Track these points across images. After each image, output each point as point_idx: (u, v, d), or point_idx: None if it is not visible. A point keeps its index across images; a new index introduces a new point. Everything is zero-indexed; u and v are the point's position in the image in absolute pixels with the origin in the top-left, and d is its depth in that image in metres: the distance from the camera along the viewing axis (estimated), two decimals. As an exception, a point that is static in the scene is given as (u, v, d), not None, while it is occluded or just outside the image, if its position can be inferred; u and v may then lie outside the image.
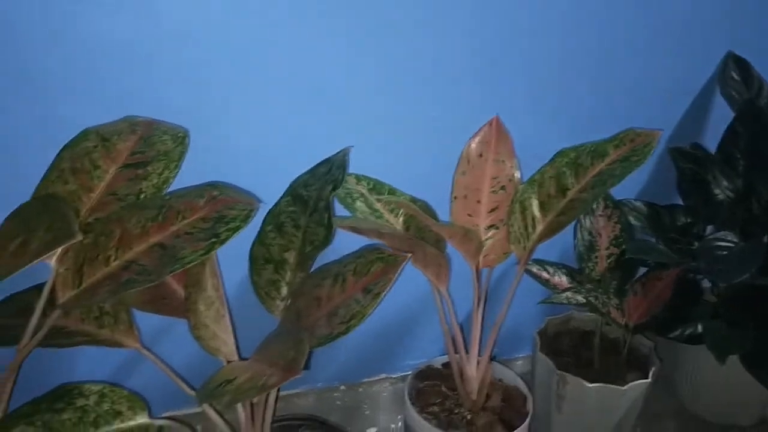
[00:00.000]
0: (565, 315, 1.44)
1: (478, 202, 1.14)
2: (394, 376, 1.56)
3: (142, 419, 0.93)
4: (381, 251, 0.86)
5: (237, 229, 0.81)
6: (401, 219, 1.18)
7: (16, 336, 0.97)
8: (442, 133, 1.24)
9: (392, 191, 1.19)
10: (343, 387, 1.53)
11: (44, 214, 0.69)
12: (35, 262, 0.64)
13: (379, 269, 0.83)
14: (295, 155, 1.12)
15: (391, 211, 1.18)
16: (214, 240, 0.80)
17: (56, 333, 0.98)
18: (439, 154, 1.24)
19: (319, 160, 1.12)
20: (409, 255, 0.81)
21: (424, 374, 1.25)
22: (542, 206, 1.11)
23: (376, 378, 1.55)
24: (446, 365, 1.27)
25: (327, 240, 0.94)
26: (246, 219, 0.83)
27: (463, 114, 1.22)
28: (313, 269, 0.99)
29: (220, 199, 0.86)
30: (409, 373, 1.55)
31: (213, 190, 0.87)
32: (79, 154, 0.97)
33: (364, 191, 1.18)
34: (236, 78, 1.07)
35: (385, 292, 0.79)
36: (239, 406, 1.03)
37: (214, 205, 0.85)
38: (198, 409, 1.14)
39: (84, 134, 1.00)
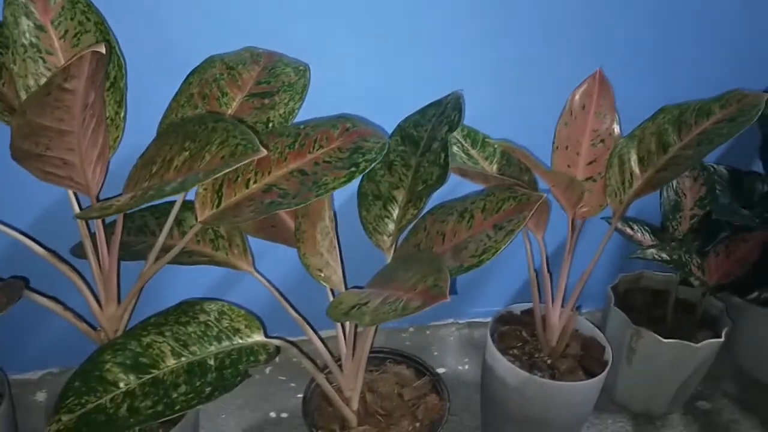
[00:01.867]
0: (636, 273, 1.47)
1: (578, 153, 1.16)
2: (460, 321, 1.61)
3: (258, 337, 0.98)
4: (513, 190, 0.89)
5: (374, 160, 0.84)
6: (495, 167, 1.20)
7: (137, 252, 1.02)
8: (540, 84, 1.26)
9: (486, 140, 1.22)
10: (411, 329, 1.58)
11: (215, 131, 0.72)
12: (213, 176, 0.67)
13: (511, 207, 0.86)
14: (397, 97, 1.15)
15: (486, 158, 1.21)
16: (353, 169, 0.83)
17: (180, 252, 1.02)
18: (534, 105, 1.27)
19: (417, 102, 1.14)
20: (544, 195, 0.83)
21: (505, 319, 1.29)
22: (641, 161, 1.13)
23: (444, 322, 1.60)
24: (526, 312, 1.31)
25: (441, 179, 0.97)
26: (381, 151, 0.85)
27: (563, 66, 1.24)
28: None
29: (354, 131, 0.88)
30: (475, 320, 1.60)
31: (346, 122, 0.90)
32: (207, 80, 1.00)
33: (460, 138, 1.20)
34: (349, 18, 1.09)
35: (519, 230, 0.82)
36: (341, 335, 1.08)
37: (349, 136, 0.88)
38: (294, 338, 1.18)
39: (210, 61, 1.02)
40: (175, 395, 0.85)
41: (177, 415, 0.84)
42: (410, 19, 1.14)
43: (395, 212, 1.05)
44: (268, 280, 1.06)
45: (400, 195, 1.06)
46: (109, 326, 0.96)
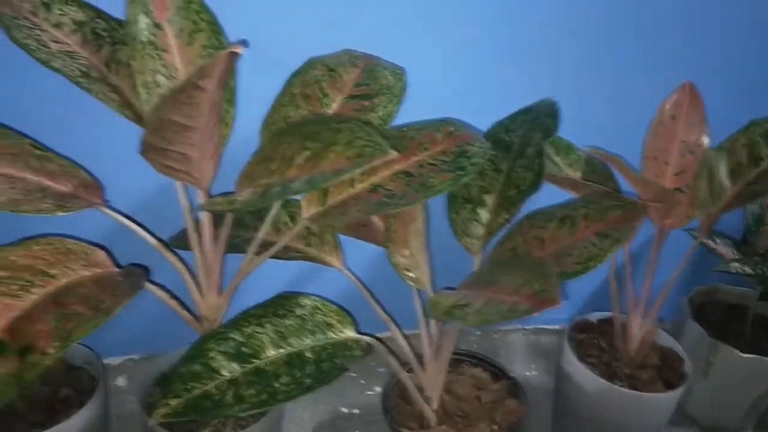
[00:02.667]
0: (712, 286, 1.46)
1: (666, 163, 1.16)
2: (527, 327, 1.61)
3: (350, 333, 1.00)
4: (619, 198, 0.89)
5: (479, 164, 0.85)
6: (579, 174, 1.21)
7: (233, 245, 1.05)
8: (628, 92, 1.26)
9: (570, 146, 1.22)
10: (478, 332, 1.58)
11: (340, 132, 0.74)
12: (342, 176, 0.69)
13: (617, 216, 0.87)
14: (480, 104, 1.16)
15: (570, 165, 1.21)
16: (460, 172, 0.84)
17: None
18: (620, 115, 1.27)
19: (501, 109, 1.15)
20: (652, 204, 0.84)
21: (582, 327, 1.29)
22: (732, 174, 1.12)
23: (511, 328, 1.60)
24: (603, 321, 1.31)
25: (536, 185, 0.98)
26: (485, 155, 0.87)
27: (651, 77, 1.23)
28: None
29: (458, 135, 0.90)
30: (542, 326, 1.60)
31: (448, 126, 0.91)
32: (308, 81, 1.03)
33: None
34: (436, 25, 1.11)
35: (628, 240, 0.82)
36: (424, 335, 1.10)
37: (453, 140, 0.89)
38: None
39: (311, 63, 1.05)
40: (277, 385, 0.88)
41: (279, 404, 0.86)
42: (497, 28, 1.16)
43: (485, 216, 1.07)
44: (357, 277, 1.08)
45: (490, 199, 1.07)
46: (209, 316, 0.99)
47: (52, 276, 0.77)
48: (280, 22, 1.07)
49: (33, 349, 0.67)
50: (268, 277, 1.30)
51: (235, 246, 1.06)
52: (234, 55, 0.70)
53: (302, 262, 1.08)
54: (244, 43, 1.04)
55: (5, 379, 0.65)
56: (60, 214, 0.79)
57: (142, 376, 1.08)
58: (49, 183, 0.83)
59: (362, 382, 1.43)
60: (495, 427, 1.12)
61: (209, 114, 0.79)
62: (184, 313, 0.98)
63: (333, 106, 1.02)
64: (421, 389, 1.11)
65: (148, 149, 0.80)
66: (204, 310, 1.01)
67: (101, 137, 1.08)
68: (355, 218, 0.84)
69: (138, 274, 0.84)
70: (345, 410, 1.37)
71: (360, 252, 1.24)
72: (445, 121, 0.93)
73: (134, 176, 1.10)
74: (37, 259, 0.78)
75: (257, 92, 1.05)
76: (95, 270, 0.82)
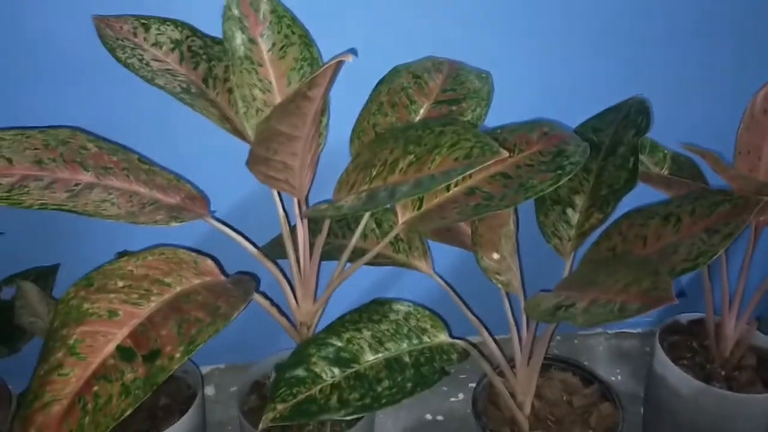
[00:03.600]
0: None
1: (759, 158, 1.13)
2: (609, 331, 1.58)
3: (444, 337, 1.00)
4: (727, 193, 0.87)
5: (578, 163, 0.85)
6: (666, 172, 1.18)
7: (326, 252, 1.07)
8: (713, 88, 1.24)
9: (655, 145, 1.20)
10: (559, 337, 1.56)
11: (444, 135, 0.75)
12: (453, 179, 0.69)
13: (725, 211, 0.85)
14: (563, 102, 1.16)
15: (656, 164, 1.19)
16: (560, 172, 0.84)
17: (361, 253, 1.07)
18: (708, 111, 1.24)
19: (588, 107, 1.14)
20: (765, 199, 0.81)
21: (672, 329, 1.26)
22: (830, 167, 1.08)
23: (592, 332, 1.58)
24: (694, 322, 1.27)
25: (630, 184, 0.97)
26: (584, 154, 0.86)
27: (740, 71, 1.21)
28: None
29: (553, 135, 0.90)
30: (623, 330, 1.57)
31: (542, 126, 0.91)
32: (395, 89, 1.04)
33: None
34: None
35: (738, 233, 0.80)
36: (515, 339, 1.09)
37: (549, 140, 0.89)
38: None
39: (396, 71, 1.06)
40: (379, 389, 0.89)
41: (383, 408, 0.87)
42: (586, 21, 1.15)
43: (575, 217, 1.06)
44: (447, 282, 1.09)
45: (579, 200, 1.06)
46: (305, 322, 1.01)
47: (168, 284, 0.80)
48: (357, 32, 1.09)
49: (160, 354, 0.70)
50: (347, 283, 1.32)
51: (325, 253, 1.07)
52: (340, 65, 0.72)
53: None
54: (352, 51, 1.06)
55: (137, 383, 0.67)
56: (174, 225, 0.82)
57: (229, 384, 1.10)
58: (159, 196, 0.86)
59: (444, 389, 1.43)
60: (590, 432, 1.10)
61: (312, 123, 0.81)
62: (283, 320, 1.00)
63: (420, 112, 1.03)
64: (512, 394, 1.10)
65: (254, 160, 0.82)
66: (299, 316, 1.02)
67: (193, 151, 1.12)
68: (453, 222, 0.85)
69: (247, 281, 0.86)
70: (429, 417, 1.36)
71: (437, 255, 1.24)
72: (538, 122, 0.93)
73: (223, 187, 1.13)
74: (153, 268, 0.81)
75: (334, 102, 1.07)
76: (205, 278, 0.84)
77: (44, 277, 1.09)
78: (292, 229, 1.01)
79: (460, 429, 1.34)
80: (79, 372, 0.68)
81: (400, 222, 0.91)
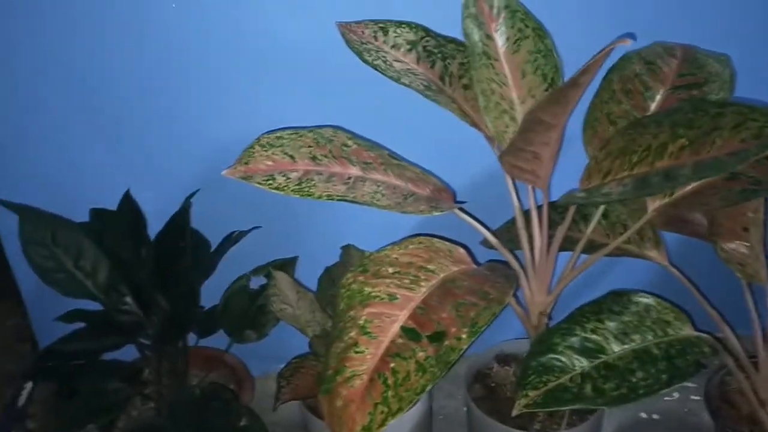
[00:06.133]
0: None
1: None
2: None
3: (689, 331, 0.97)
4: None
5: None
6: None
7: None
8: None
9: None
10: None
11: (722, 116, 0.73)
12: (746, 160, 0.67)
13: None
14: None
15: None
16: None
17: (590, 244, 1.06)
18: None
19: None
20: None
21: None
22: None
23: None
24: None
25: None
26: None
27: None
28: None
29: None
30: None
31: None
32: (627, 76, 1.02)
33: None
34: None
35: None
36: (758, 335, 1.03)
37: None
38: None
39: (627, 58, 1.05)
40: (634, 380, 0.87)
41: (640, 399, 0.86)
42: None
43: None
44: (683, 273, 1.05)
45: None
46: (541, 312, 1.02)
47: (432, 271, 0.84)
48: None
49: (446, 335, 0.73)
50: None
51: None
52: (611, 50, 0.72)
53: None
54: (630, 36, 1.06)
55: (430, 361, 0.71)
56: (435, 214, 0.86)
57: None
58: (413, 188, 0.91)
59: (657, 386, 1.38)
60: None
61: (569, 112, 0.82)
62: (519, 309, 1.01)
63: (656, 98, 1.00)
64: (754, 392, 1.05)
65: (509, 151, 0.84)
66: (533, 307, 1.03)
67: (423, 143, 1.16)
68: (716, 207, 0.82)
69: (503, 268, 0.88)
70: (644, 416, 1.32)
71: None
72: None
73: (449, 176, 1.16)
74: (415, 256, 0.86)
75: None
76: (461, 266, 0.87)
77: (286, 267, 1.17)
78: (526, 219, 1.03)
79: (680, 429, 1.29)
80: (372, 350, 0.74)
81: (650, 209, 0.90)
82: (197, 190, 1.13)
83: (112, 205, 1.11)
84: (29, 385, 1.28)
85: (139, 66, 1.07)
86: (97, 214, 1.15)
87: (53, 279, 1.04)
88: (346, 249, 1.15)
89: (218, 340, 1.22)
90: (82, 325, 1.07)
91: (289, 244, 1.25)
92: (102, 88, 1.09)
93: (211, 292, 1.18)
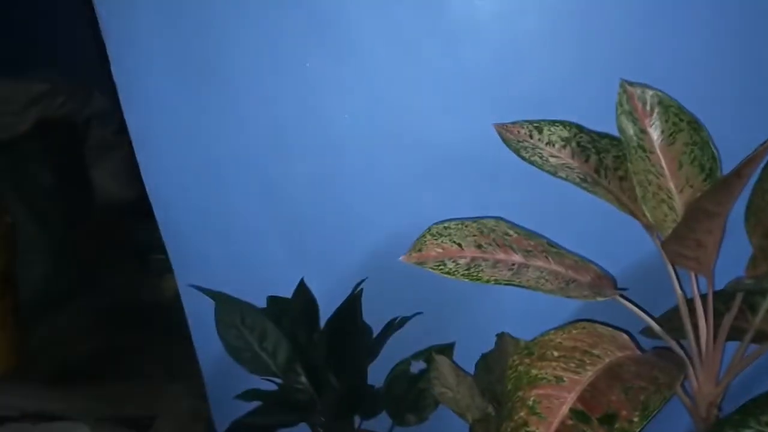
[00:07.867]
0: None
1: None
2: None
3: None
4: None
5: None
6: None
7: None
8: None
9: None
10: None
11: None
12: None
13: None
14: None
15: None
16: None
17: (760, 333, 1.02)
18: None
19: None
20: None
21: None
22: None
23: None
24: None
25: None
26: None
27: None
28: None
29: None
30: None
31: None
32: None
33: None
34: None
35: None
36: None
37: None
38: None
39: (786, 144, 1.04)
40: (824, 480, 0.82)
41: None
42: None
43: None
44: None
45: None
46: (709, 403, 0.99)
47: (597, 356, 0.86)
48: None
49: (617, 418, 0.75)
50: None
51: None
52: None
53: None
54: None
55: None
56: (599, 299, 0.89)
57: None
58: (574, 275, 0.95)
59: None
60: None
61: (734, 201, 0.83)
62: (687, 400, 0.99)
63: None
64: None
65: (673, 239, 0.87)
66: (701, 398, 1.01)
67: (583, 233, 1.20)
68: None
69: (669, 354, 0.89)
70: None
71: None
72: None
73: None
74: (578, 341, 0.88)
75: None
76: (626, 351, 0.89)
77: (444, 352, 1.23)
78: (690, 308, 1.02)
79: None
80: (543, 429, 0.76)
81: (827, 298, 0.87)
82: (365, 278, 1.23)
83: (278, 291, 1.24)
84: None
85: (320, 172, 1.22)
86: (274, 300, 1.28)
87: (242, 357, 1.17)
88: (501, 336, 1.19)
89: (379, 423, 1.28)
90: (251, 405, 1.18)
91: (440, 331, 1.31)
92: (284, 191, 1.25)
93: (369, 376, 1.26)
